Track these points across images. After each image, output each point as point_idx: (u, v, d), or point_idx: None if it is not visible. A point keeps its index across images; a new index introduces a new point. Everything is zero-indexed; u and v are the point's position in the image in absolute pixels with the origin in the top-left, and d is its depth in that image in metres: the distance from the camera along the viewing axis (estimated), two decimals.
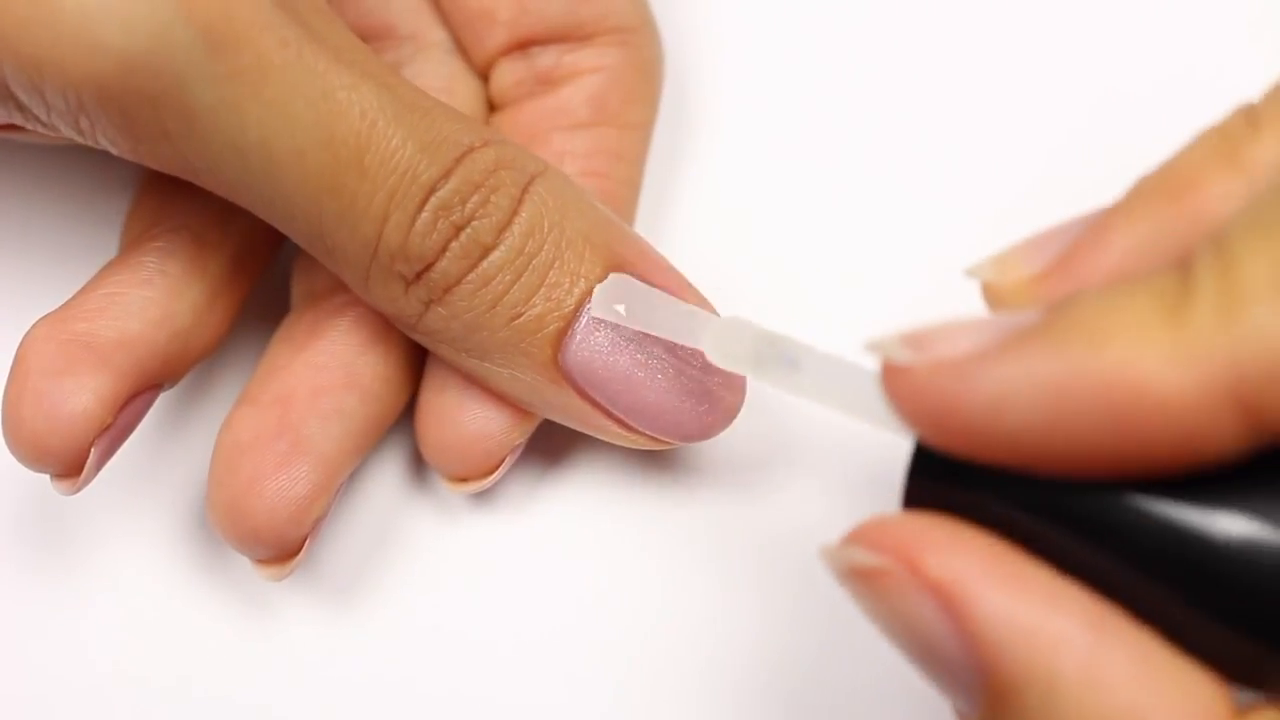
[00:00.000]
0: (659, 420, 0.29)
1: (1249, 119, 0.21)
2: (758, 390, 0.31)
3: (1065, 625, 0.20)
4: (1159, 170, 0.22)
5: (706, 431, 0.30)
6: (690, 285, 0.30)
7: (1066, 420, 0.19)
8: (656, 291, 0.29)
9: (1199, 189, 0.21)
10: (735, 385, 0.30)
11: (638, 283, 0.29)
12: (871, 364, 0.24)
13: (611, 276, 0.28)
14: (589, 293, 0.29)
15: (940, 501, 0.21)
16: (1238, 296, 0.18)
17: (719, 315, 0.29)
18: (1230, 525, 0.19)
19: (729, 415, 0.30)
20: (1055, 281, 0.21)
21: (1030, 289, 0.21)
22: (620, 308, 0.28)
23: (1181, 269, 0.19)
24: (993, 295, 0.22)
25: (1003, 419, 0.19)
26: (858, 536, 0.21)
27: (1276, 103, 0.21)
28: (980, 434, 0.20)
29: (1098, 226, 0.21)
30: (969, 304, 0.30)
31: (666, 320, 0.28)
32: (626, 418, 0.29)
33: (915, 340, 0.20)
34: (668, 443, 0.30)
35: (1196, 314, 0.19)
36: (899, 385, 0.20)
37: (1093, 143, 0.35)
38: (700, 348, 0.27)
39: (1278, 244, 0.19)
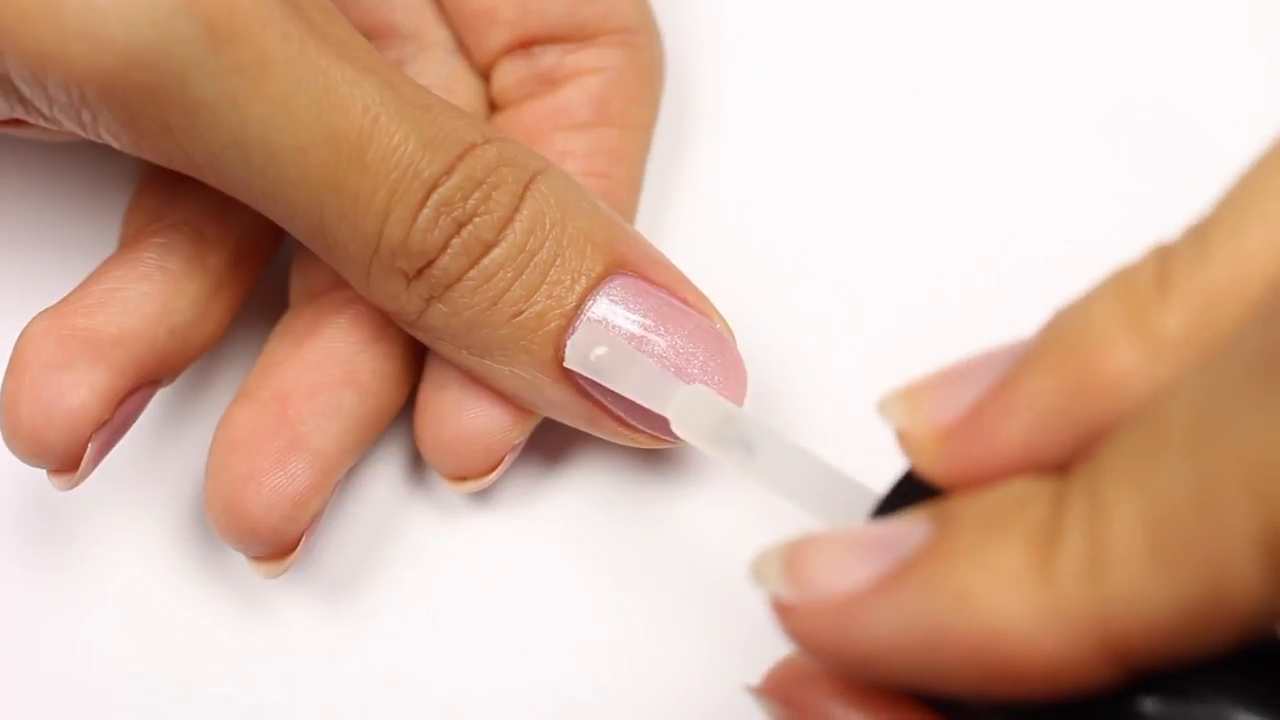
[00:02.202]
0: (659, 418, 0.29)
1: (1159, 276, 0.20)
2: (757, 391, 0.31)
3: None
4: (1067, 317, 0.20)
5: None
6: (689, 283, 0.30)
7: (943, 668, 0.19)
8: (632, 350, 0.28)
9: (1104, 358, 0.20)
10: (734, 385, 0.30)
11: (617, 338, 0.28)
12: (826, 458, 0.24)
13: (587, 323, 0.28)
14: (590, 290, 0.29)
15: None
16: (1104, 554, 0.18)
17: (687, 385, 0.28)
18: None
19: None
20: (960, 445, 0.21)
21: (937, 448, 0.21)
22: (600, 350, 0.28)
23: (1056, 503, 0.19)
24: (903, 441, 0.21)
25: (884, 661, 0.20)
26: (762, 688, 0.22)
27: (1190, 257, 0.20)
28: (866, 670, 0.20)
29: (1006, 382, 0.20)
30: (967, 305, 0.31)
31: (636, 379, 0.28)
32: (627, 416, 0.29)
33: (794, 570, 0.21)
34: (668, 441, 0.30)
35: (1063, 568, 0.18)
36: (785, 621, 0.20)
37: (1092, 143, 0.35)
38: (664, 414, 0.28)
39: (1146, 493, 0.18)
